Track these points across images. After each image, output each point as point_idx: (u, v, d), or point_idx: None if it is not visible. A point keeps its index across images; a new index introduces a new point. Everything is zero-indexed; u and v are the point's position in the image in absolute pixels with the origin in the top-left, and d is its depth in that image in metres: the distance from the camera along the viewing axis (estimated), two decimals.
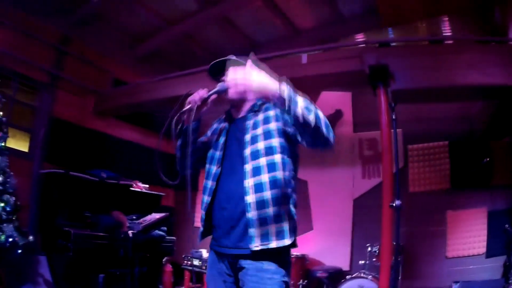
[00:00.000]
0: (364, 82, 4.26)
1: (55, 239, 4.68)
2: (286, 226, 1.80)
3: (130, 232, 4.81)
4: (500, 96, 4.51)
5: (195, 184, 6.24)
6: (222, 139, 2.05)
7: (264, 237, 1.76)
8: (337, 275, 5.14)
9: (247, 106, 2.06)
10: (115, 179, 5.70)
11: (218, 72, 2.09)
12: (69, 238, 4.48)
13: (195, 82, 4.83)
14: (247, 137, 1.92)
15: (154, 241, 5.38)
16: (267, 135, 1.88)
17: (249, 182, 1.82)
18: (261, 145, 1.86)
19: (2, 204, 3.76)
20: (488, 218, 5.06)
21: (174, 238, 5.90)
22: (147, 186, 6.19)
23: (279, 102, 1.62)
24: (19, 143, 5.50)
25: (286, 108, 1.60)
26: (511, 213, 4.82)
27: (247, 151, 1.88)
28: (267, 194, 1.78)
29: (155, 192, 6.20)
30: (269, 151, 1.84)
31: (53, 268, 4.62)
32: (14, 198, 3.91)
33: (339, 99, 6.54)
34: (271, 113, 1.95)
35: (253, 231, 1.77)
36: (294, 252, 5.18)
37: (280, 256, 1.81)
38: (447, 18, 5.72)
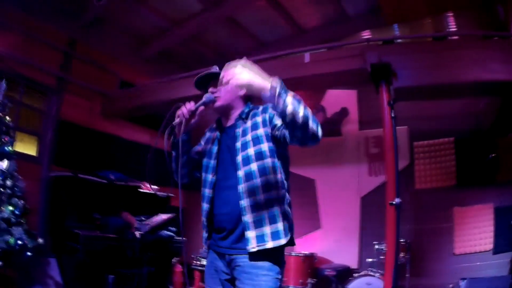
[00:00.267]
0: (367, 81, 4.25)
1: (64, 241, 4.76)
2: (281, 226, 1.86)
3: (137, 233, 4.88)
4: (504, 92, 4.49)
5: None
6: (215, 148, 2.13)
7: (260, 238, 1.83)
8: (346, 273, 5.15)
9: (235, 114, 2.11)
10: (123, 180, 5.76)
11: (203, 85, 2.17)
12: (78, 240, 4.56)
13: None
14: (238, 144, 1.99)
15: (162, 242, 5.43)
16: (256, 141, 1.94)
17: (242, 187, 1.89)
18: (251, 151, 1.93)
19: (11, 208, 3.79)
20: (495, 214, 5.02)
21: (184, 238, 5.88)
22: (157, 187, 6.18)
23: (270, 96, 1.67)
24: (27, 147, 5.54)
25: (276, 102, 1.65)
26: None
27: (239, 158, 1.95)
28: (261, 196, 1.86)
29: (163, 193, 6.21)
30: (259, 156, 1.91)
31: (63, 270, 4.68)
32: (23, 202, 3.95)
33: (345, 97, 6.58)
34: (259, 119, 2.01)
35: (249, 233, 1.84)
36: (303, 251, 5.25)
37: (275, 255, 1.87)
38: (451, 14, 5.69)
